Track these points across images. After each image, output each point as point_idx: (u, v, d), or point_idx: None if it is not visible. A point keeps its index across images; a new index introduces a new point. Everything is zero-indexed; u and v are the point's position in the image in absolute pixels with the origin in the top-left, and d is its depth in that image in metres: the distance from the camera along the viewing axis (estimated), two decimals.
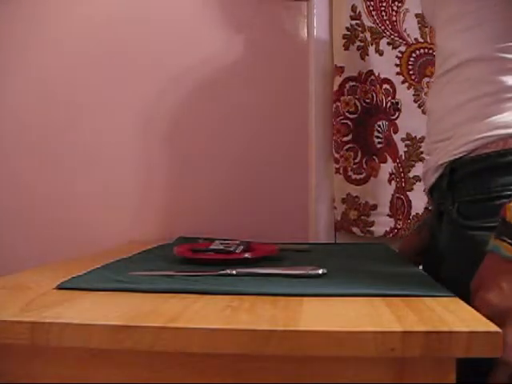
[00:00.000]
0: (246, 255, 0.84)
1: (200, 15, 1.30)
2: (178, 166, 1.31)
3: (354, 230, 1.23)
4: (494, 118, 0.70)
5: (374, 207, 1.24)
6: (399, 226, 1.23)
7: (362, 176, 1.23)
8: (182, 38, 1.30)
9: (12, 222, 1.32)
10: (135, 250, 0.98)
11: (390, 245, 1.12)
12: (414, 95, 1.26)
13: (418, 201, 1.23)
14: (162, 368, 0.52)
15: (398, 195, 1.25)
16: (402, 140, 1.26)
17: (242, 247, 0.91)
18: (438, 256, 0.79)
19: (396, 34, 1.26)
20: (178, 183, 1.31)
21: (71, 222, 1.30)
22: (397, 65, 1.26)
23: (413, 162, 1.26)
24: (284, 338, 0.48)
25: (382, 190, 1.24)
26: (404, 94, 1.26)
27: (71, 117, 1.32)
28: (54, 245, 1.29)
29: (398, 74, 1.26)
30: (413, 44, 1.26)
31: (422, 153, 1.24)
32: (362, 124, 1.23)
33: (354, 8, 1.23)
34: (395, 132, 1.26)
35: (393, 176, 1.25)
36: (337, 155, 1.23)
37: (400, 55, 1.26)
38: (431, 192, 0.86)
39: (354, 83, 1.23)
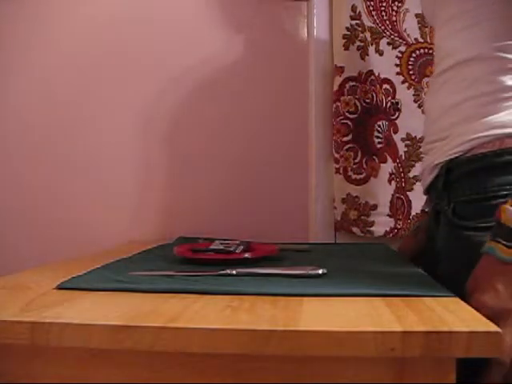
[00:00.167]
0: (246, 255, 0.84)
1: (200, 15, 1.30)
2: (178, 166, 1.31)
3: (354, 230, 1.23)
4: (490, 117, 0.70)
5: (374, 207, 1.24)
6: (399, 226, 1.23)
7: (361, 176, 1.23)
8: (183, 37, 1.30)
9: (12, 222, 1.32)
10: (135, 250, 0.98)
11: (390, 245, 1.12)
12: (414, 95, 1.26)
13: (418, 201, 1.22)
14: (162, 368, 0.52)
15: (398, 195, 1.25)
16: (402, 140, 1.26)
17: (242, 247, 0.91)
18: (436, 257, 0.79)
19: (396, 34, 1.26)
20: (178, 183, 1.31)
21: (71, 221, 1.30)
22: (397, 65, 1.26)
23: (413, 162, 1.26)
24: (284, 338, 0.48)
25: (382, 190, 1.24)
26: (404, 94, 1.26)
27: (72, 116, 1.32)
28: (54, 245, 1.29)
29: (397, 74, 1.26)
30: (413, 44, 1.26)
31: (422, 153, 1.24)
32: (361, 124, 1.23)
33: (354, 8, 1.23)
34: (395, 132, 1.26)
35: (393, 176, 1.25)
36: (337, 155, 1.23)
37: (400, 55, 1.26)
38: (428, 192, 0.86)
39: (353, 83, 1.23)
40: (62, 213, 1.31)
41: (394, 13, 1.26)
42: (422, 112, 1.24)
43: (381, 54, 1.25)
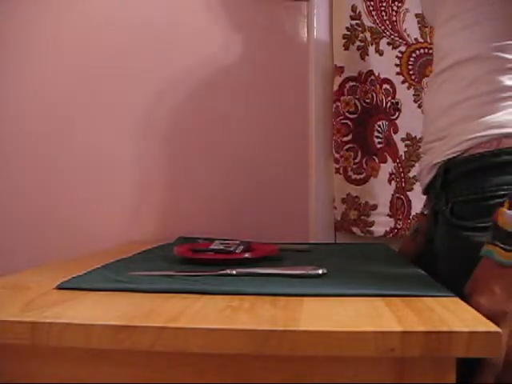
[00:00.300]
0: (246, 255, 0.84)
1: (200, 15, 1.30)
2: (178, 166, 1.31)
3: (354, 230, 1.23)
4: (488, 117, 0.70)
5: (374, 207, 1.24)
6: (399, 226, 1.23)
7: (361, 176, 1.23)
8: (182, 38, 1.30)
9: (12, 222, 1.32)
10: (135, 250, 0.98)
11: (390, 245, 1.12)
12: (414, 95, 1.26)
13: (418, 201, 1.22)
14: (162, 368, 0.52)
15: (398, 195, 1.25)
16: (402, 140, 1.26)
17: (242, 247, 0.91)
18: (434, 257, 0.79)
19: (396, 34, 1.26)
20: (178, 183, 1.31)
21: (71, 222, 1.30)
22: (397, 65, 1.26)
23: (413, 162, 1.26)
24: (284, 338, 0.48)
25: (382, 190, 1.24)
26: (404, 94, 1.26)
27: (71, 117, 1.32)
28: (54, 245, 1.29)
29: (398, 74, 1.26)
30: (413, 44, 1.26)
31: (421, 153, 1.24)
32: (362, 124, 1.23)
33: (353, 8, 1.23)
34: (395, 132, 1.26)
35: (393, 176, 1.25)
36: (337, 155, 1.23)
37: (400, 55, 1.26)
38: (427, 192, 0.86)
39: (353, 83, 1.23)
40: (61, 213, 1.31)
41: (393, 13, 1.26)
42: (422, 112, 1.24)
43: (381, 54, 1.25)
